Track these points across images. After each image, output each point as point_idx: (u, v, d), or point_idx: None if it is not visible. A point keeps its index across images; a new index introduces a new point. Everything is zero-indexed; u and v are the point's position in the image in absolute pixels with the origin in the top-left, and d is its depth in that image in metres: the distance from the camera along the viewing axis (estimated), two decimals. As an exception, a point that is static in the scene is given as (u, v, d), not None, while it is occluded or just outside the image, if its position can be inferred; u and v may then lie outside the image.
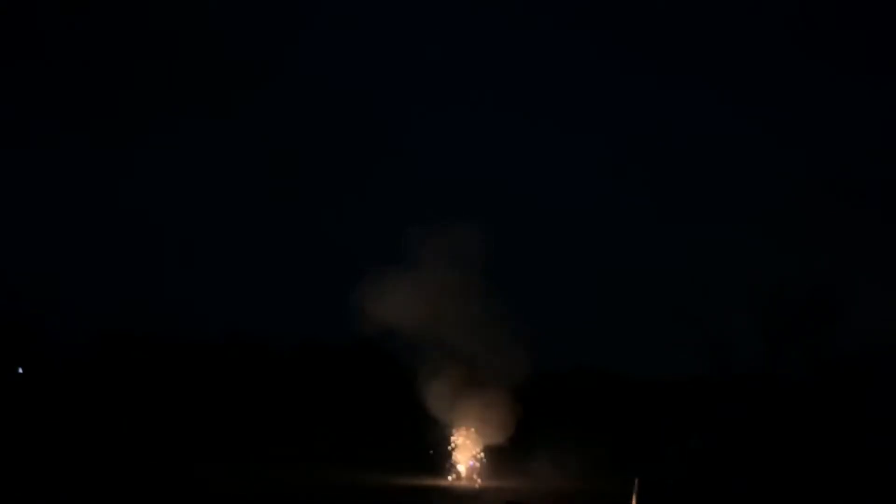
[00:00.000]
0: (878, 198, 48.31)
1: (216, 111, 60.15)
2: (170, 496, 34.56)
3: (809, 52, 65.46)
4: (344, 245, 57.14)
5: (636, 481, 30.93)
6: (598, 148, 71.66)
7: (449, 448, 47.03)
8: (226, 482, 39.45)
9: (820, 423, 43.29)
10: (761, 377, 45.42)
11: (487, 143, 70.22)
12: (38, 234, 60.79)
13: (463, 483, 45.55)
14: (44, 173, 64.24)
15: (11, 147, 63.23)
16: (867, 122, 58.94)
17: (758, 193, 52.87)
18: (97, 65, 61.27)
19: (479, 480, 45.81)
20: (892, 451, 40.63)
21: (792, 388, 45.50)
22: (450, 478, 46.29)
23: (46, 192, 62.92)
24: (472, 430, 46.54)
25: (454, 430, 46.91)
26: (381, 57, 72.70)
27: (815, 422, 43.49)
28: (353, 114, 62.67)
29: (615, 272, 57.06)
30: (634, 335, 51.11)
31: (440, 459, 46.96)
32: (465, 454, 47.04)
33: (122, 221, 62.68)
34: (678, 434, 44.85)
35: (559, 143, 73.15)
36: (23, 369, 53.29)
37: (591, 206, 66.28)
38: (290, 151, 59.98)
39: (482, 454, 46.95)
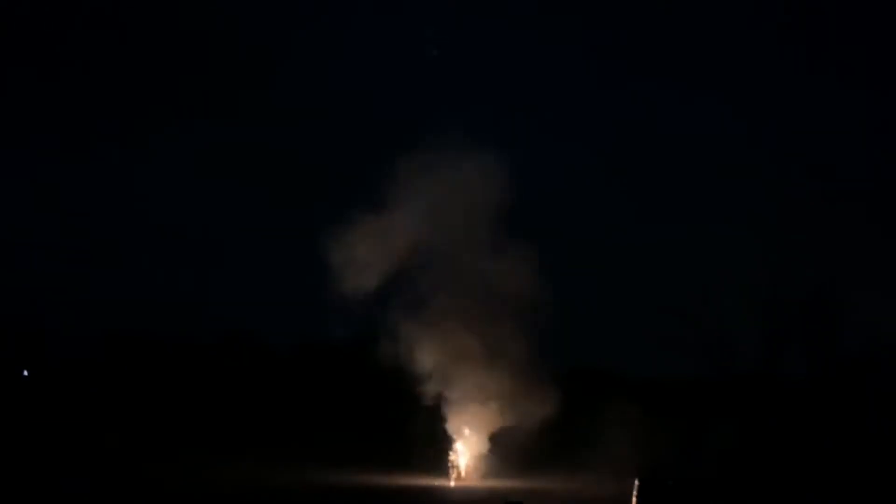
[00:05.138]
0: (877, 198, 48.42)
1: (215, 112, 60.19)
2: (169, 496, 34.57)
3: (809, 54, 65.49)
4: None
5: (636, 482, 30.97)
6: (596, 148, 71.52)
7: (449, 444, 45.86)
8: (225, 482, 39.41)
9: (820, 423, 43.36)
10: (761, 377, 45.50)
11: (486, 144, 69.98)
12: (41, 236, 60.96)
13: (464, 483, 43.88)
14: (45, 175, 64.35)
15: (14, 147, 63.33)
16: (866, 123, 58.95)
17: (757, 193, 52.80)
18: (98, 66, 61.38)
19: (482, 479, 44.31)
20: (893, 451, 40.67)
21: (792, 388, 45.59)
22: (452, 476, 44.88)
23: (47, 193, 63.01)
24: (474, 417, 45.03)
25: (453, 419, 45.56)
26: (381, 57, 72.62)
27: (815, 421, 43.56)
28: (353, 114, 62.69)
29: (615, 272, 56.97)
30: (634, 335, 51.02)
31: (439, 456, 45.85)
32: (467, 449, 45.45)
33: (122, 222, 62.85)
34: (678, 434, 44.80)
35: (558, 144, 73.04)
36: (27, 372, 53.41)
37: (591, 205, 66.10)
38: (290, 152, 60.02)
39: (488, 448, 45.35)
